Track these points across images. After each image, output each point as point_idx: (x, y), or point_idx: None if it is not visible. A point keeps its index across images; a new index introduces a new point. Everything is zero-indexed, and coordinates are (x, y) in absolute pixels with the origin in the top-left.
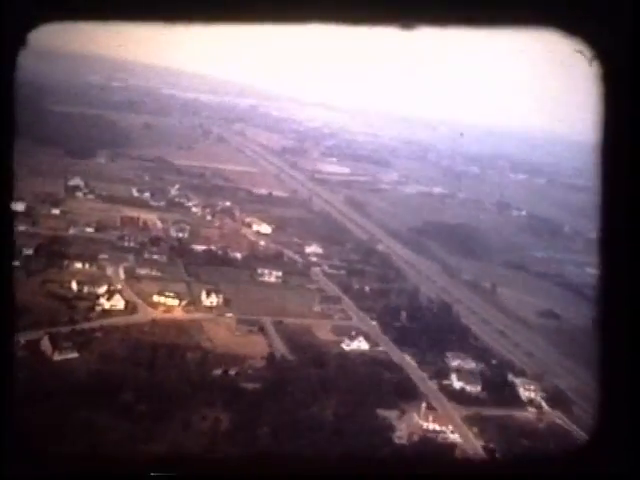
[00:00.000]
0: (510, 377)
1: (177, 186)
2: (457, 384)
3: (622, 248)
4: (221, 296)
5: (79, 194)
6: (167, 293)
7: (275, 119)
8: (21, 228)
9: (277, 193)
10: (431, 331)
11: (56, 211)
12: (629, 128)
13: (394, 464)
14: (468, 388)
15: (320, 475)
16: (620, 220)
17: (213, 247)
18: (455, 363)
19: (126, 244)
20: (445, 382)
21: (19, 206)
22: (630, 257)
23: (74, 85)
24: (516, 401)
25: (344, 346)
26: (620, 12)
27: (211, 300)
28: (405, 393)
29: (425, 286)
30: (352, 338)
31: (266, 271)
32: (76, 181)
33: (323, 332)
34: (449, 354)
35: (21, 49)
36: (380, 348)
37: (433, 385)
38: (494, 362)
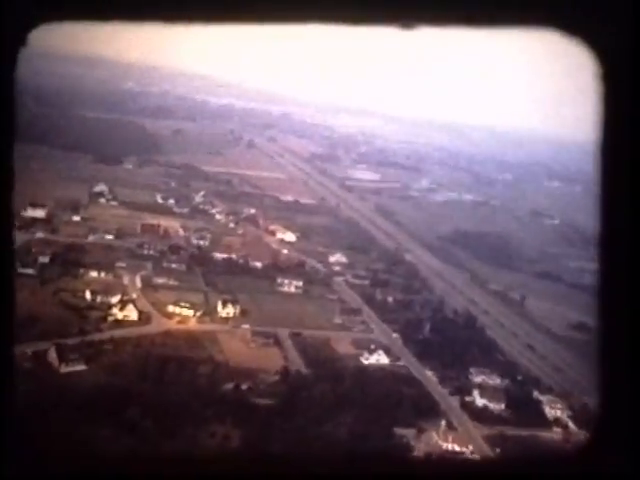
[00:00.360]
0: (536, 394)
1: (202, 193)
2: (480, 401)
3: (622, 248)
4: (238, 307)
5: (102, 200)
6: (182, 303)
7: (308, 126)
8: (39, 235)
9: (304, 200)
10: (455, 345)
11: (77, 218)
12: (629, 128)
13: (395, 464)
14: (491, 406)
15: (321, 475)
16: (620, 221)
17: (234, 256)
18: (478, 379)
19: (145, 252)
20: (467, 399)
21: (39, 212)
22: (630, 257)
23: (108, 91)
24: (541, 420)
25: (363, 360)
26: (620, 12)
27: (227, 311)
28: (424, 410)
29: (451, 297)
30: (372, 352)
31: (286, 281)
32: (100, 187)
33: (342, 345)
34: (472, 369)
35: (21, 49)
36: (400, 362)
37: (454, 402)
38: (520, 378)
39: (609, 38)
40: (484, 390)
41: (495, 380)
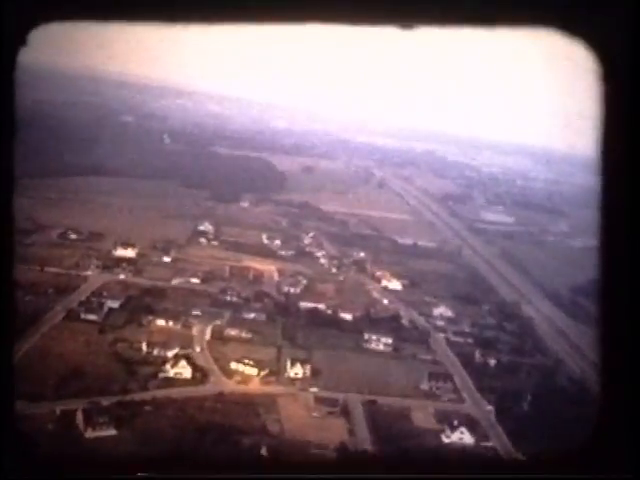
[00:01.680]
0: None
1: (311, 234)
2: None
3: (622, 248)
4: (308, 367)
5: (203, 240)
6: (247, 361)
7: (449, 164)
8: (121, 276)
9: (424, 243)
10: (560, 422)
11: (167, 259)
12: (629, 127)
13: (399, 465)
14: None
15: (324, 477)
16: (620, 219)
17: (323, 305)
18: None
19: (227, 298)
20: None
21: (129, 252)
22: (630, 257)
23: (247, 129)
24: None
25: (443, 437)
26: (620, 13)
27: (296, 371)
28: None
29: (569, 360)
30: (454, 428)
31: (374, 337)
32: (205, 226)
33: (422, 417)
34: None
35: (21, 49)
36: (488, 443)
37: None
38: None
39: (609, 38)
40: None
41: None
